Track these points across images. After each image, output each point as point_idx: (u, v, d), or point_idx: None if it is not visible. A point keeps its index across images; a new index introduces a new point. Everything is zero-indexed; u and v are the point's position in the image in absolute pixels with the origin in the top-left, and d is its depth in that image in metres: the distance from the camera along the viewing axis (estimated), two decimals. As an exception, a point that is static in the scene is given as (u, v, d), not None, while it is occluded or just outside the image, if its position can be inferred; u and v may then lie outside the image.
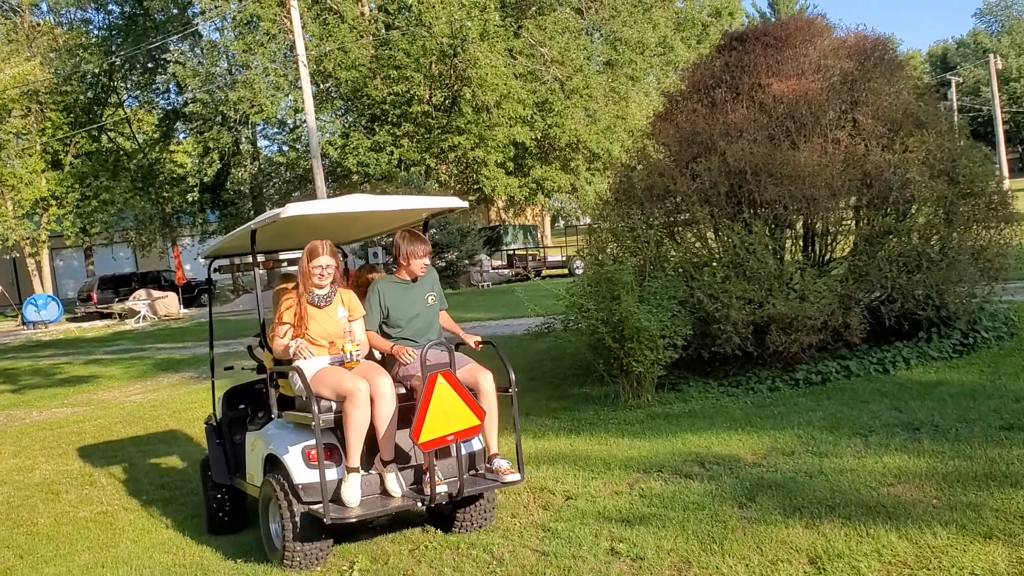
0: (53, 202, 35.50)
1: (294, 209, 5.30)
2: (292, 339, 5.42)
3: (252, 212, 37.30)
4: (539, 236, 42.97)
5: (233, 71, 32.21)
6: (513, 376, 5.57)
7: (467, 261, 26.99)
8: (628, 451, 7.39)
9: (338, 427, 5.22)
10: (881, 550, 4.59)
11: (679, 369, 10.03)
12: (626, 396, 9.61)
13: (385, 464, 5.29)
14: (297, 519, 5.15)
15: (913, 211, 10.09)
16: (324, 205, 5.81)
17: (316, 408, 5.12)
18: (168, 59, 31.81)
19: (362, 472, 5.22)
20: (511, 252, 35.63)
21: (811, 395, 8.83)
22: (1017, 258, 10.27)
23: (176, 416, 12.14)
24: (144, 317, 30.71)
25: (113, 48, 36.26)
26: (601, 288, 9.59)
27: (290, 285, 5.72)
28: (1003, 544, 4.51)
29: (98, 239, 39.76)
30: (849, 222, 10.49)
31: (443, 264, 25.87)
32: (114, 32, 37.49)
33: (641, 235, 10.29)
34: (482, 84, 29.03)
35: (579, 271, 29.92)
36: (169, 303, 32.13)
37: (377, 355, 5.80)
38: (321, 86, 31.94)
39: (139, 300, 31.74)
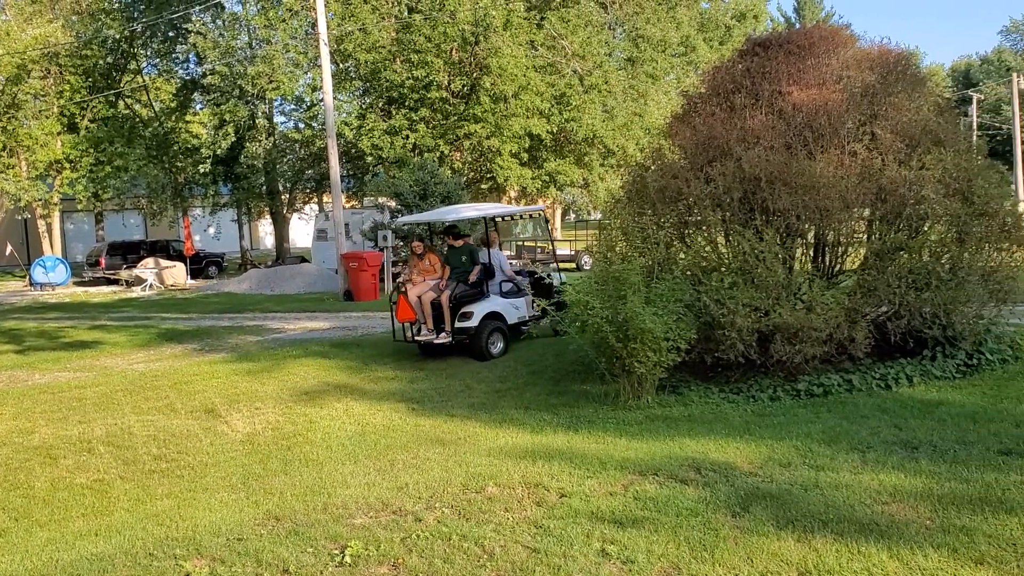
0: (67, 165, 35.49)
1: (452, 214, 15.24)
2: (411, 273, 13.74)
3: (264, 187, 37.28)
4: (550, 228, 42.84)
5: (253, 45, 32.15)
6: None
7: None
8: (625, 452, 7.39)
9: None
10: (871, 569, 4.60)
11: (681, 372, 10.04)
12: (626, 396, 9.61)
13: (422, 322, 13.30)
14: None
15: (926, 228, 10.06)
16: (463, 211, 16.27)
17: (391, 299, 14.46)
18: (189, 29, 31.76)
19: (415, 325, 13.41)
20: (520, 243, 35.51)
21: (812, 407, 8.82)
22: (1027, 281, 10.22)
23: (177, 388, 12.18)
24: (151, 285, 30.78)
25: (135, 15, 36.21)
26: (608, 287, 9.58)
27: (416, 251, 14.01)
28: (994, 570, 4.51)
29: (109, 205, 39.78)
30: (861, 235, 10.46)
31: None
32: (137, -1, 37.48)
33: (651, 236, 10.28)
34: (502, 74, 28.94)
35: (587, 266, 29.83)
36: (176, 273, 32.17)
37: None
38: (340, 66, 31.88)
39: (147, 268, 31.78)
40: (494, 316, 13.08)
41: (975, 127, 51.88)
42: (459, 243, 13.66)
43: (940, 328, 9.63)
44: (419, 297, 13.07)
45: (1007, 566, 4.54)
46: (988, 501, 5.44)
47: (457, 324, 12.81)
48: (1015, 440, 6.87)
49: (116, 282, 32.83)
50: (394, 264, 26.17)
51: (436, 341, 12.88)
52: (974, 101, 55.69)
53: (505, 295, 13.62)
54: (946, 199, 9.62)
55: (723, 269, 9.77)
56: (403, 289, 13.43)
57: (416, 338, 13.23)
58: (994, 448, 6.70)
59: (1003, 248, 10.03)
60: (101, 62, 36.66)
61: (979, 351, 9.81)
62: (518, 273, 14.96)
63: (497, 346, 13.01)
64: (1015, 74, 50.48)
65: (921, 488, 5.82)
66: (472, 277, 13.25)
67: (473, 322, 12.75)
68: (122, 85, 37.87)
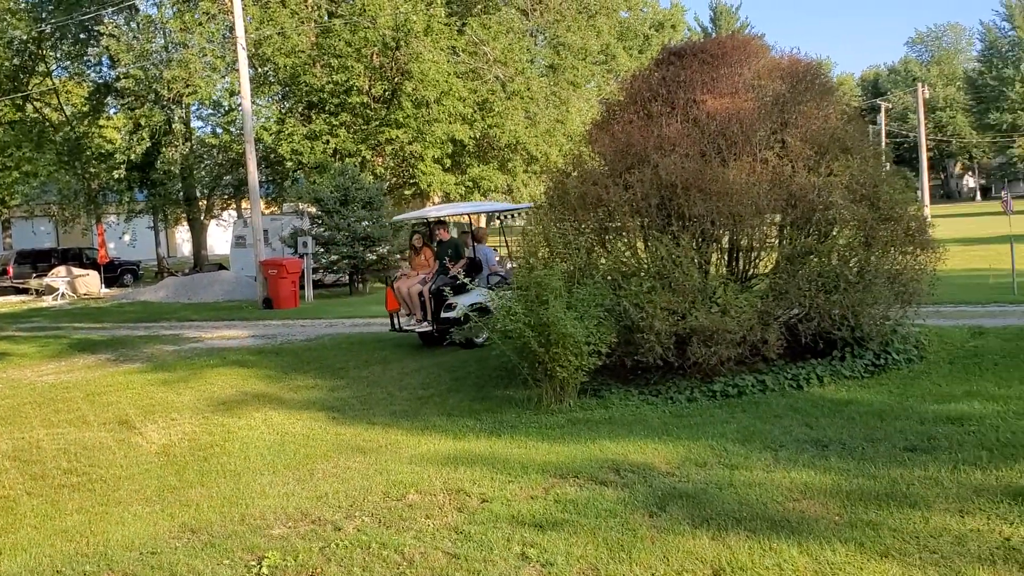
0: (-29, 171, 34.21)
1: (434, 212, 17.20)
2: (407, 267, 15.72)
3: (181, 193, 36.45)
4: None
5: (169, 49, 31.44)
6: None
7: (399, 256, 26.77)
8: (546, 455, 7.45)
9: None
10: (782, 564, 4.73)
11: (602, 375, 10.15)
12: (548, 400, 9.67)
13: (408, 313, 14.35)
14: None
15: (834, 233, 10.36)
16: (446, 209, 18.69)
17: (388, 287, 15.22)
18: (102, 31, 30.91)
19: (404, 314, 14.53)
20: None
21: (727, 407, 9.01)
22: (931, 283, 10.61)
23: (90, 399, 11.83)
24: (63, 295, 29.84)
25: (43, 16, 35.05)
26: (530, 292, 9.64)
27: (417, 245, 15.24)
28: (898, 563, 4.68)
29: (17, 211, 38.46)
30: (773, 240, 10.73)
31: (374, 257, 25.64)
32: (45, -1, 36.28)
33: (572, 241, 10.38)
34: (423, 79, 28.87)
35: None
36: (90, 282, 31.26)
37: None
38: (259, 70, 31.41)
39: (58, 277, 30.83)
40: (479, 308, 13.28)
41: (884, 135, 53.73)
42: (447, 237, 14.70)
43: (849, 329, 9.93)
44: (408, 289, 14.08)
45: (910, 558, 4.72)
46: (894, 496, 5.64)
47: (443, 315, 13.56)
48: (920, 437, 7.14)
49: (25, 291, 31.78)
50: (314, 271, 25.86)
51: (417, 330, 14.07)
52: (882, 109, 57.67)
53: (492, 288, 13.88)
54: (853, 204, 9.94)
55: (642, 274, 9.91)
56: (392, 283, 14.84)
57: (404, 328, 14.40)
58: (900, 445, 6.95)
59: (908, 252, 10.40)
60: (7, 64, 35.35)
61: (886, 351, 10.14)
62: None
63: (482, 336, 13.22)
64: (920, 84, 52.45)
65: (831, 485, 6.01)
66: (453, 271, 13.90)
67: (457, 313, 13.39)
68: (30, 88, 36.63)
